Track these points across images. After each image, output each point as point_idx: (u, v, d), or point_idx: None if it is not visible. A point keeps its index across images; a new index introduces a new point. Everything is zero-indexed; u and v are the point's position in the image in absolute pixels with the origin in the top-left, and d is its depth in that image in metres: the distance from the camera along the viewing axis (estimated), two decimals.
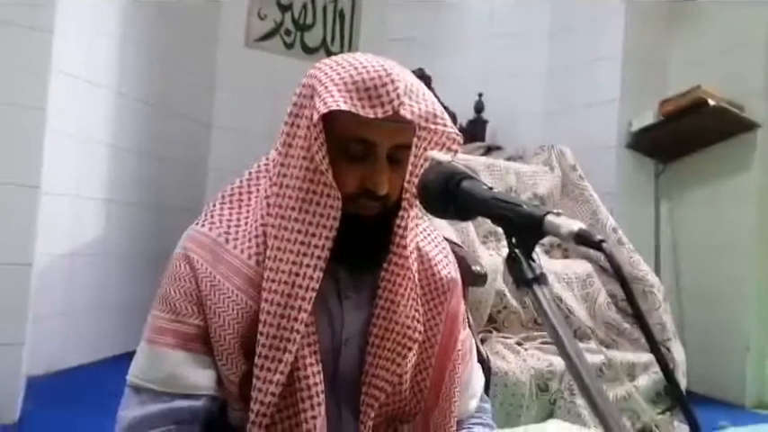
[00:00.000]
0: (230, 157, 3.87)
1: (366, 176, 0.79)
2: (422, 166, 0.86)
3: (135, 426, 0.77)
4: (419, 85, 0.82)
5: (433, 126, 0.80)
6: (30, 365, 2.27)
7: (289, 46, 4.15)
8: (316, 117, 0.75)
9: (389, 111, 0.76)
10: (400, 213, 0.85)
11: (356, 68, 0.78)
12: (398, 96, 0.76)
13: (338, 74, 0.78)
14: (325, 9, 4.27)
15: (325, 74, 0.79)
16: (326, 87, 0.77)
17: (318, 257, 0.79)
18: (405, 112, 0.76)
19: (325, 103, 0.75)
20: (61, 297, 2.82)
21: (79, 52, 2.83)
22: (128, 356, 0.82)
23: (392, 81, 0.77)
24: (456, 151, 0.85)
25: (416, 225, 0.89)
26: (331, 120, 0.77)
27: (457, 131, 0.84)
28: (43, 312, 2.58)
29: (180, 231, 0.86)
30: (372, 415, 0.84)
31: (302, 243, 0.78)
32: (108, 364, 2.94)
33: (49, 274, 2.67)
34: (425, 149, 0.86)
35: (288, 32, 4.15)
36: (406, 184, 0.85)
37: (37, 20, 2.15)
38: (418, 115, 0.78)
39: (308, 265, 0.78)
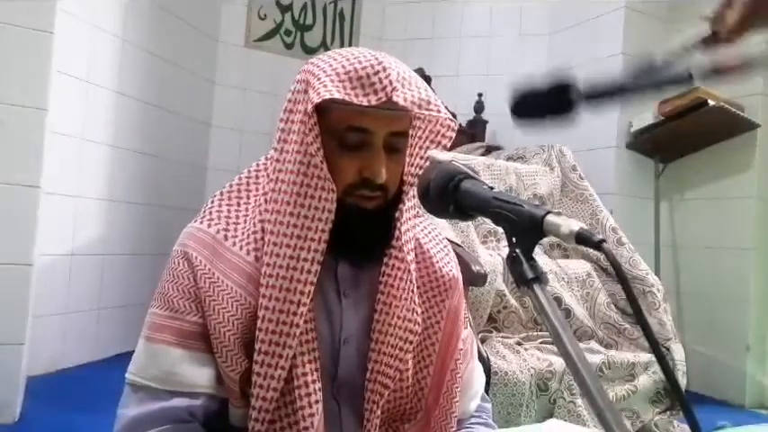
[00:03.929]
0: (230, 157, 3.88)
1: (364, 166, 0.80)
2: (419, 155, 0.87)
3: (133, 425, 0.77)
4: (412, 74, 0.82)
5: (426, 112, 0.80)
6: (30, 365, 2.26)
7: (289, 46, 4.15)
8: (310, 108, 0.76)
9: (383, 97, 0.76)
10: (399, 206, 0.85)
11: (348, 60, 0.79)
12: (391, 83, 0.76)
13: (330, 66, 0.79)
14: (325, 9, 4.27)
15: (318, 67, 0.79)
16: (320, 79, 0.77)
17: (315, 251, 0.79)
18: (398, 99, 0.76)
19: (319, 94, 0.75)
20: (61, 297, 2.82)
21: (79, 52, 2.84)
22: (128, 356, 0.82)
23: (384, 69, 0.77)
24: (452, 138, 0.85)
25: (415, 216, 0.90)
26: (326, 112, 0.78)
27: (451, 118, 0.84)
28: (43, 312, 2.58)
29: (179, 231, 0.86)
30: (378, 413, 0.84)
31: (298, 237, 0.78)
32: (108, 364, 2.94)
33: (49, 274, 2.67)
34: (421, 138, 0.86)
35: (288, 32, 4.15)
36: (403, 177, 0.85)
37: (37, 20, 2.14)
38: (411, 102, 0.78)
39: (305, 259, 0.78)
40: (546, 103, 0.64)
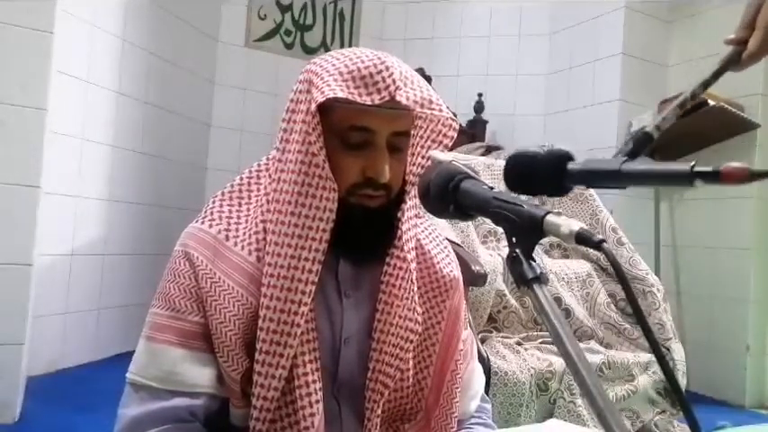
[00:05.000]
0: (229, 157, 3.88)
1: (367, 165, 0.80)
2: (421, 155, 0.87)
3: (134, 424, 0.77)
4: (414, 73, 0.82)
5: (428, 111, 0.80)
6: (30, 365, 2.26)
7: (289, 46, 4.15)
8: (313, 107, 0.76)
9: (386, 96, 0.76)
10: (401, 206, 0.85)
11: (351, 59, 0.79)
12: (394, 82, 0.77)
13: (333, 65, 0.79)
14: (325, 9, 4.27)
15: (321, 66, 0.80)
16: (323, 78, 0.77)
17: (316, 250, 0.79)
18: (400, 98, 0.77)
19: (322, 93, 0.75)
20: (61, 297, 2.82)
21: (79, 52, 2.84)
22: (128, 356, 0.82)
23: (387, 68, 0.78)
24: (453, 137, 0.86)
25: (416, 216, 0.90)
26: (328, 111, 0.78)
27: (453, 117, 0.85)
28: (43, 312, 2.58)
29: (180, 231, 0.86)
30: (379, 412, 0.84)
31: (300, 236, 0.79)
32: (108, 364, 2.95)
33: (49, 274, 2.67)
34: (423, 138, 0.87)
35: (288, 32, 4.16)
36: (405, 176, 0.85)
37: (37, 20, 2.15)
38: (414, 101, 0.78)
39: (306, 259, 0.78)
40: (541, 179, 0.64)
